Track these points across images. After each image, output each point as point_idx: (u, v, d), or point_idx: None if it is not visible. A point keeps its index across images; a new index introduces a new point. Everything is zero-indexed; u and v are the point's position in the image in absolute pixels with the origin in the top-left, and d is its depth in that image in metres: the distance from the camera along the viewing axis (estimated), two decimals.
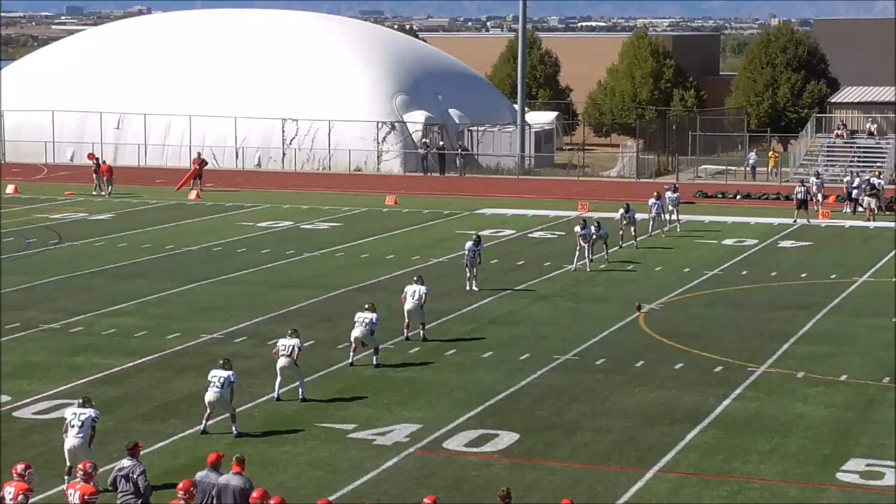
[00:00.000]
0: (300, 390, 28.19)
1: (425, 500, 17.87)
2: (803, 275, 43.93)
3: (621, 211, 49.27)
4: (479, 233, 43.70)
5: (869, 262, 46.23)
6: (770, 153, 78.86)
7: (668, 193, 53.56)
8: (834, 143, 74.52)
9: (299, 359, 28.12)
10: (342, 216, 58.68)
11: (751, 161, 75.33)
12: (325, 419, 26.85)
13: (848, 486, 22.99)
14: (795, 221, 56.29)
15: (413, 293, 33.53)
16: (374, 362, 31.02)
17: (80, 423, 22.32)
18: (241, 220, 57.25)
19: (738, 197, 65.69)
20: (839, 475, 23.57)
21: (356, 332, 30.88)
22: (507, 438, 25.59)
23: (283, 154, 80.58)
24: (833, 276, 43.70)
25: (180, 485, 18.51)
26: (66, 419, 22.64)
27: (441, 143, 79.34)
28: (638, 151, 79.74)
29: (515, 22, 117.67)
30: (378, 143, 79.23)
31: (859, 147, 73.88)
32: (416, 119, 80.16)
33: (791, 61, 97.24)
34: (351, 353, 31.24)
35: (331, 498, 20.63)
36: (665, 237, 51.87)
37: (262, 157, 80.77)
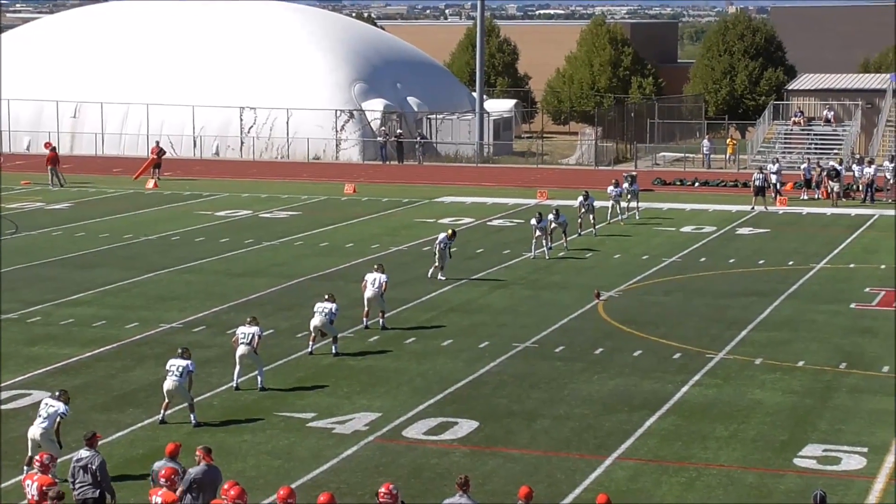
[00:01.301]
0: (259, 379, 28.13)
1: (381, 490, 17.87)
2: (761, 262, 44.13)
3: (580, 198, 49.38)
4: (455, 230, 43.31)
5: (826, 249, 46.47)
6: (728, 140, 79.13)
7: (625, 185, 53.62)
8: (791, 130, 74.83)
9: (258, 347, 28.06)
10: (301, 205, 58.55)
11: (705, 149, 75.45)
12: (284, 408, 26.81)
13: (805, 472, 23.13)
14: (753, 208, 56.55)
15: (373, 281, 33.49)
16: (333, 351, 30.99)
17: (45, 415, 22.19)
18: (200, 209, 57.04)
19: (697, 184, 65.91)
20: (796, 461, 23.70)
21: (315, 322, 30.84)
22: (466, 426, 25.61)
23: (242, 143, 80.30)
24: (791, 262, 43.91)
25: (162, 471, 18.55)
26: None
27: (399, 131, 79.24)
28: (596, 139, 79.83)
29: (474, 10, 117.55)
30: (337, 131, 79.08)
31: (816, 134, 74.21)
32: (374, 107, 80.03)
33: (748, 49, 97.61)
34: (310, 343, 31.19)
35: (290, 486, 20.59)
36: (624, 225, 51.99)
37: (220, 146, 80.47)
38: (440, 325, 34.17)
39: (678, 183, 66.30)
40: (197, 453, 19.52)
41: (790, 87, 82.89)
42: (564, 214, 46.08)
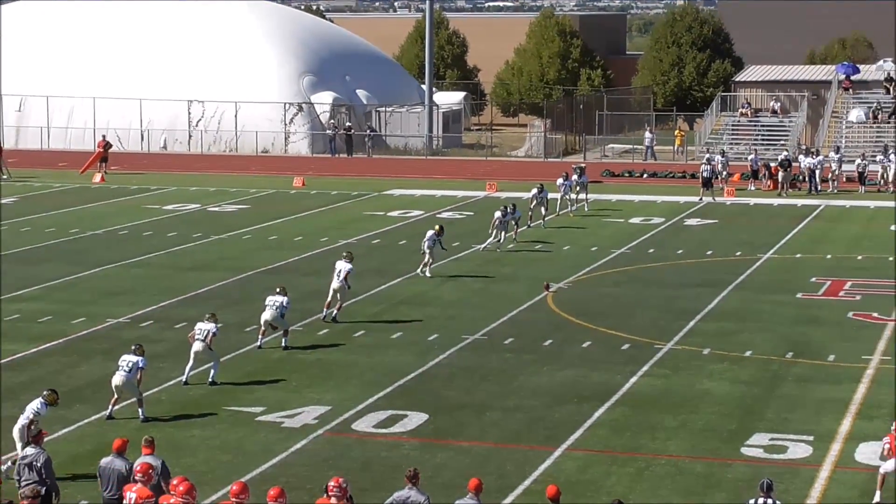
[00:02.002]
0: (211, 373, 28.00)
1: (331, 483, 17.86)
2: (709, 252, 44.35)
3: (534, 191, 49.52)
4: (443, 225, 42.82)
5: (773, 239, 46.75)
6: (676, 132, 79.46)
7: (574, 177, 53.71)
8: (738, 121, 75.21)
9: (213, 343, 27.94)
10: (250, 198, 58.37)
11: (647, 141, 75.58)
12: (234, 402, 26.72)
13: (753, 461, 23.28)
14: (701, 199, 56.81)
15: (338, 271, 33.42)
16: (283, 344, 30.91)
17: (24, 413, 22.40)
18: (147, 203, 56.75)
19: (645, 176, 66.14)
20: (744, 450, 23.85)
21: (266, 315, 30.74)
22: (416, 419, 25.62)
23: (190, 136, 79.96)
24: (738, 253, 44.15)
25: (138, 467, 18.50)
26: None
27: (349, 123, 79.11)
28: (545, 131, 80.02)
29: (423, 2, 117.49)
30: (285, 124, 78.89)
31: (763, 125, 74.62)
32: (323, 100, 79.88)
33: (696, 41, 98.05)
34: (259, 336, 31.09)
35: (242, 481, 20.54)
36: (573, 217, 52.10)
37: (167, 140, 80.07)
38: (390, 318, 34.14)
39: (627, 175, 66.50)
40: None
41: (737, 79, 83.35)
42: (520, 210, 46.11)
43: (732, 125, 74.95)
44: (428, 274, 39.61)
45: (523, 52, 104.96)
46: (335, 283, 33.45)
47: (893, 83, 74.14)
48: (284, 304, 30.65)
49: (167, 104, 78.92)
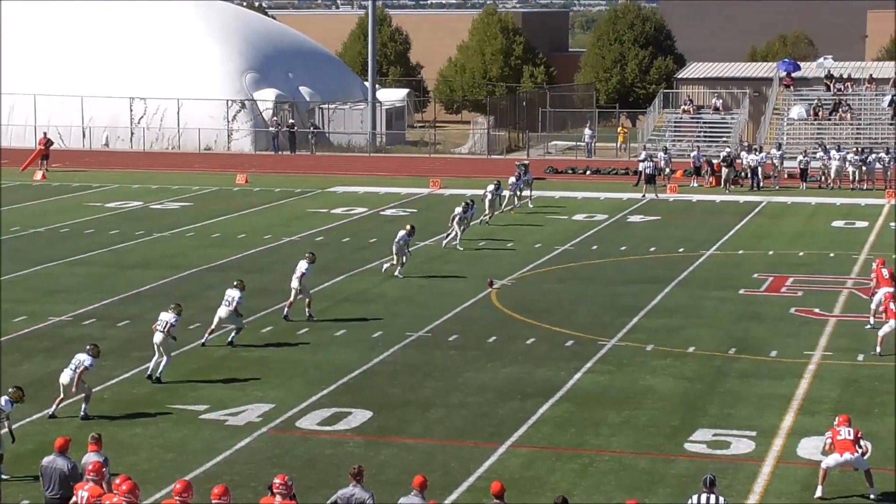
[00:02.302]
0: (160, 368, 27.82)
1: (276, 481, 17.82)
2: (652, 249, 44.53)
3: (491, 187, 49.72)
4: (413, 225, 42.36)
5: (715, 236, 47.01)
6: (619, 129, 79.76)
7: (517, 174, 53.78)
8: (681, 118, 75.57)
9: (173, 333, 27.92)
10: (192, 195, 58.09)
11: (586, 137, 75.75)
12: (177, 400, 26.59)
13: (696, 456, 23.39)
14: (644, 196, 57.06)
15: (296, 271, 33.35)
16: (229, 340, 30.76)
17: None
18: (89, 200, 56.35)
19: (588, 172, 66.35)
20: (687, 445, 23.97)
21: (221, 312, 30.60)
22: (360, 416, 25.58)
23: (132, 133, 79.45)
24: (681, 249, 44.36)
25: (89, 466, 18.45)
26: None
27: (292, 121, 78.88)
28: (489, 128, 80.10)
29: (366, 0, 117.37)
30: (228, 121, 78.55)
31: (705, 122, 75.01)
32: (266, 97, 79.60)
33: (638, 38, 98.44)
34: (206, 334, 30.91)
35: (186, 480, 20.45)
36: (515, 213, 52.17)
37: (109, 137, 79.56)
38: (333, 316, 34.06)
39: (570, 171, 66.70)
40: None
41: (679, 76, 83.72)
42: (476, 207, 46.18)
43: (675, 122, 75.28)
44: (399, 275, 38.96)
45: (466, 50, 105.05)
46: (293, 283, 33.35)
47: (833, 80, 74.75)
48: (237, 298, 30.52)
49: (109, 101, 78.38)
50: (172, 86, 78.14)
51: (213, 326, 30.88)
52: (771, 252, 44.00)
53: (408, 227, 39.84)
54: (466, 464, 22.91)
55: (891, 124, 71.05)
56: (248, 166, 68.39)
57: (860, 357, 30.04)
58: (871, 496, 21.23)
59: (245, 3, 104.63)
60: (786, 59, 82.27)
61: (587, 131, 76.05)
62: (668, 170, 60.15)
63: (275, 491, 17.73)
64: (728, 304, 35.83)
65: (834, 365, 29.47)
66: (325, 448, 23.78)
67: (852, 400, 26.69)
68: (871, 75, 75.59)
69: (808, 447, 23.69)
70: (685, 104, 76.17)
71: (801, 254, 43.66)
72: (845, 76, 75.62)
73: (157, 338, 27.81)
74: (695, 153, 63.08)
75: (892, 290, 31.25)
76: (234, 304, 30.45)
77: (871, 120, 72.00)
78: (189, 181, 62.90)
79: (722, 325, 33.32)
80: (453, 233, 44.09)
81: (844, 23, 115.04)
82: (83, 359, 25.26)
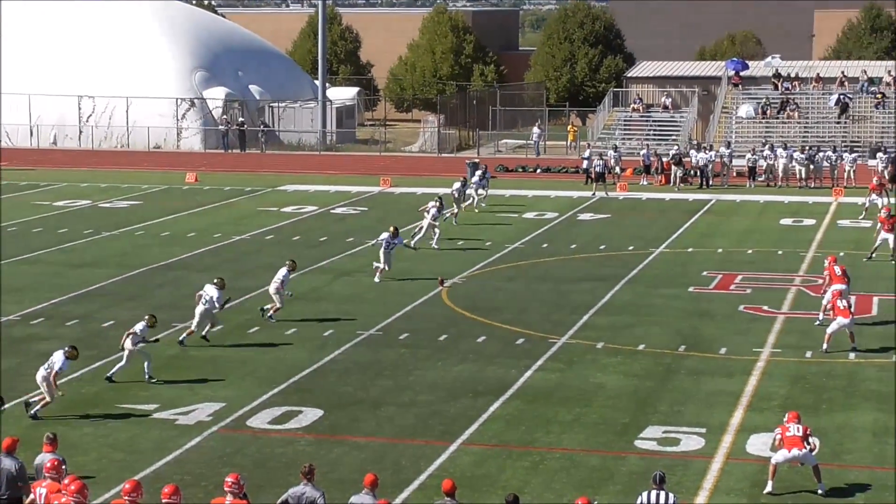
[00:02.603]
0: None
1: (228, 480, 17.77)
2: (602, 247, 44.67)
3: (457, 185, 49.87)
4: (397, 227, 41.91)
5: (665, 234, 47.21)
6: (569, 127, 79.96)
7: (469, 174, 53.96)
8: (630, 116, 75.86)
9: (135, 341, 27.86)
10: (142, 194, 57.81)
11: (535, 136, 75.87)
12: (127, 400, 26.46)
13: (646, 453, 23.49)
14: (594, 194, 57.23)
15: (276, 277, 33.31)
16: (181, 338, 30.66)
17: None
18: (38, 199, 55.95)
19: (539, 171, 66.47)
20: (637, 442, 24.07)
21: (199, 309, 30.56)
22: (311, 415, 25.54)
23: (80, 132, 79.00)
24: (631, 247, 44.52)
25: (47, 463, 18.29)
26: None
27: (241, 119, 78.65)
28: (439, 126, 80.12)
29: None
30: (177, 119, 78.23)
31: (655, 121, 75.34)
32: (216, 95, 79.32)
33: (588, 37, 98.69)
34: (184, 334, 30.78)
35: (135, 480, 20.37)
36: (465, 211, 52.17)
37: (57, 136, 79.05)
38: (284, 315, 33.95)
39: (520, 170, 66.81)
40: None
41: (629, 75, 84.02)
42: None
43: (624, 120, 75.57)
44: (376, 279, 38.45)
45: (416, 48, 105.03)
46: (271, 288, 33.28)
47: (781, 79, 75.22)
48: (214, 298, 30.54)
49: (57, 99, 77.88)
50: (121, 84, 77.73)
51: (193, 327, 30.75)
52: (720, 250, 44.22)
53: (392, 228, 39.15)
54: (417, 462, 22.92)
55: (837, 123, 71.60)
56: (197, 165, 68.13)
57: (808, 354, 30.25)
58: (820, 492, 21.40)
59: (195, 2, 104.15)
60: (734, 59, 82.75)
61: (535, 130, 76.18)
62: (617, 168, 60.35)
63: (227, 490, 17.68)
64: (678, 302, 35.99)
65: (782, 362, 29.67)
66: (276, 447, 23.73)
67: (800, 396, 26.87)
68: (818, 74, 76.12)
69: (757, 444, 23.83)
70: (635, 103, 76.47)
71: (749, 251, 43.91)
72: (793, 75, 76.13)
73: (128, 344, 27.71)
74: (644, 151, 63.35)
75: (841, 287, 31.49)
76: (212, 303, 30.41)
77: (819, 118, 72.52)
78: (138, 180, 62.59)
79: (671, 323, 33.46)
80: (425, 232, 43.77)
81: (792, 22, 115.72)
82: (56, 360, 25.21)
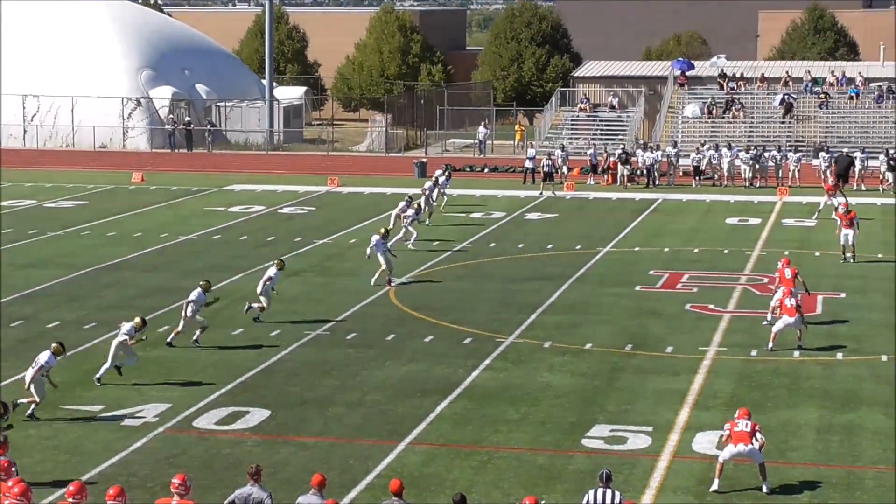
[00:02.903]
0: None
1: (175, 481, 17.69)
2: (549, 246, 44.77)
3: (428, 184, 49.97)
4: (388, 228, 41.36)
5: (612, 233, 47.37)
6: (516, 127, 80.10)
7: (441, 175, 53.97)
8: (577, 116, 76.08)
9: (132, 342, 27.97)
10: (87, 194, 57.45)
11: (480, 135, 75.95)
12: (72, 401, 26.29)
13: (593, 452, 23.56)
14: (542, 194, 57.37)
15: (265, 276, 33.25)
16: (168, 338, 30.62)
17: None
18: None
19: (486, 170, 66.54)
20: (585, 441, 24.14)
21: (188, 311, 30.61)
22: (258, 415, 25.47)
23: (25, 131, 78.42)
24: (578, 247, 44.64)
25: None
26: None
27: (188, 118, 78.33)
28: (387, 126, 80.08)
29: None
30: (123, 119, 77.79)
31: (602, 120, 75.59)
32: (162, 95, 78.95)
33: (535, 36, 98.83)
34: (172, 333, 30.82)
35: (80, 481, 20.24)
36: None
37: (2, 135, 78.40)
38: (231, 314, 33.85)
39: (468, 169, 66.84)
40: None
41: (576, 75, 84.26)
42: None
43: (571, 120, 75.78)
44: (372, 282, 37.77)
45: (363, 47, 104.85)
46: (259, 288, 33.24)
47: (727, 79, 75.65)
48: (195, 297, 30.66)
49: (1, 99, 77.25)
50: (66, 83, 77.24)
51: (179, 328, 30.79)
52: (667, 249, 44.42)
53: (382, 230, 38.70)
54: (365, 462, 22.89)
55: (782, 123, 72.08)
56: (144, 164, 67.80)
57: (754, 352, 30.44)
58: (764, 489, 21.53)
59: (140, 1, 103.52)
60: (680, 58, 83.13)
61: (481, 129, 76.27)
62: (565, 168, 60.51)
63: (174, 490, 17.61)
64: (625, 301, 36.12)
65: (728, 360, 29.83)
66: (223, 447, 23.64)
67: (746, 394, 27.03)
68: (762, 74, 76.62)
69: (703, 442, 23.96)
70: (582, 102, 76.71)
71: (696, 250, 44.13)
72: (738, 75, 76.62)
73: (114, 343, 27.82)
74: (591, 151, 63.54)
75: (790, 287, 31.69)
76: (193, 304, 30.56)
77: (763, 118, 72.99)
78: (84, 179, 62.20)
79: (618, 322, 33.58)
80: (405, 233, 43.67)
81: (737, 22, 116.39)
82: (41, 358, 25.35)
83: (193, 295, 30.64)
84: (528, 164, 60.84)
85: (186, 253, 42.24)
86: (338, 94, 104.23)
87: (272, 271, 33.30)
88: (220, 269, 39.77)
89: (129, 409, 25.75)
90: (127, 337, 27.63)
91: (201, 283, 31.29)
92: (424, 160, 63.84)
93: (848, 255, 41.62)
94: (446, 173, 54.32)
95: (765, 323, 32.48)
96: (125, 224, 49.15)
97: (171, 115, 78.04)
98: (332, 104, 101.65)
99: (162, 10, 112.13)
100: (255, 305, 33.12)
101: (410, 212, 44.08)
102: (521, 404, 26.36)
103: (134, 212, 52.23)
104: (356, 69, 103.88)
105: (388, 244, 38.41)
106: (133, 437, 24.08)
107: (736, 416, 22.01)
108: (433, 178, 51.81)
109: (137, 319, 28.29)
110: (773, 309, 32.08)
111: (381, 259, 37.71)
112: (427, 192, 49.60)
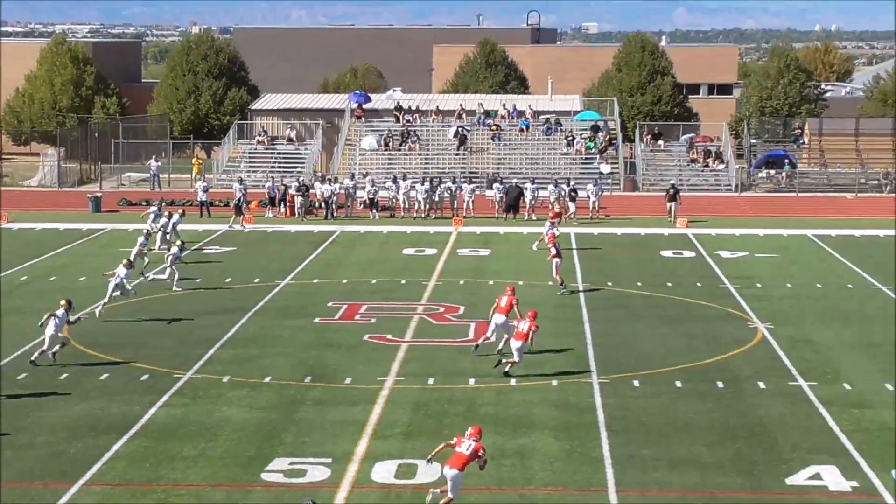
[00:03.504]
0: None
1: None
2: (228, 280, 44.50)
3: (163, 220, 49.90)
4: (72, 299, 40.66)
5: (291, 265, 47.42)
6: (193, 160, 79.41)
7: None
8: (256, 149, 75.98)
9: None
10: None
11: (153, 169, 74.78)
12: None
13: (272, 486, 23.52)
14: (231, 227, 57.05)
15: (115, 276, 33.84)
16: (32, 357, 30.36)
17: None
18: None
19: (164, 204, 65.51)
20: (264, 475, 24.07)
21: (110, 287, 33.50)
22: None
23: None
24: (257, 280, 44.51)
25: None
26: None
27: None
28: (59, 160, 78.21)
29: None
30: None
31: (280, 153, 75.70)
32: None
33: (212, 69, 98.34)
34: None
35: None
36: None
37: None
38: None
39: (144, 203, 65.71)
40: None
41: (254, 107, 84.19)
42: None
43: (250, 153, 75.66)
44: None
45: (34, 79, 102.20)
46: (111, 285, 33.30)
47: (403, 112, 76.85)
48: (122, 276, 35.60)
49: None
50: None
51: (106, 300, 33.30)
52: (345, 280, 44.74)
53: (124, 261, 39.07)
54: None
55: (456, 154, 73.64)
56: None
57: (430, 381, 30.92)
58: None
59: None
60: (357, 91, 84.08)
61: (153, 163, 75.11)
62: (243, 200, 60.23)
63: None
64: (303, 333, 36.19)
65: (405, 389, 30.22)
66: None
67: (422, 423, 27.43)
68: (437, 107, 78.18)
69: (382, 471, 24.20)
70: (259, 135, 76.69)
71: (374, 281, 44.58)
72: (413, 108, 77.93)
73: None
74: (269, 184, 63.52)
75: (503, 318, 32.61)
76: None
77: (439, 150, 74.45)
78: None
79: (297, 354, 33.63)
80: (169, 273, 42.73)
81: (412, 56, 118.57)
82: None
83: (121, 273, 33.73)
84: (202, 196, 60.40)
85: None
86: (7, 127, 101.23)
87: (123, 271, 35.44)
88: None
89: None
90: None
91: (63, 301, 32.66)
92: (99, 194, 62.53)
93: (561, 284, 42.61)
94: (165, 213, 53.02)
95: (474, 351, 33.14)
96: None
97: None
98: (0, 137, 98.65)
99: None
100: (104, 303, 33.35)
101: (175, 250, 43.24)
102: (199, 440, 26.10)
103: None
104: (27, 102, 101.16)
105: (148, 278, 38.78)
106: None
107: (467, 433, 22.23)
108: (166, 214, 50.88)
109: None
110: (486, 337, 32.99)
111: (112, 288, 38.10)
112: (163, 230, 49.22)
